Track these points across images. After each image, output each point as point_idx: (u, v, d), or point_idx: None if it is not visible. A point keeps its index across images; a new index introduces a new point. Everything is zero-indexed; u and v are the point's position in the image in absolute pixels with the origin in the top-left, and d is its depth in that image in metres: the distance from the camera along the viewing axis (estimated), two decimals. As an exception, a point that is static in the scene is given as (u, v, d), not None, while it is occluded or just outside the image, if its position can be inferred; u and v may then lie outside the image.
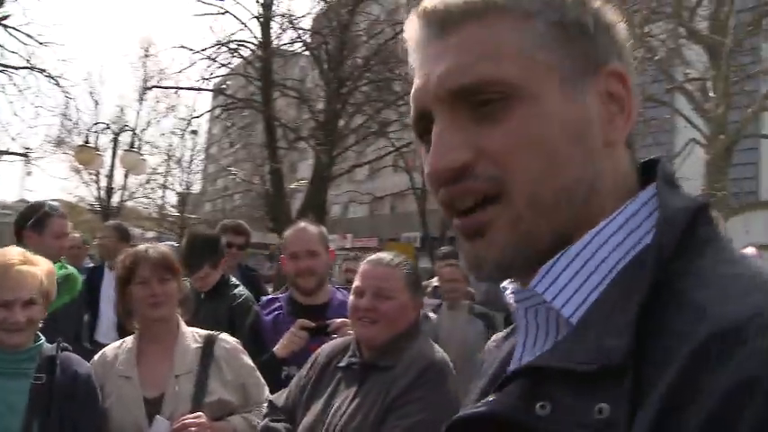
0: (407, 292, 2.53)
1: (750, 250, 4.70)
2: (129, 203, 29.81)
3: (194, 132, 28.15)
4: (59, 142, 27.19)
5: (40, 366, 2.57)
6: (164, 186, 32.08)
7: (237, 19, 16.20)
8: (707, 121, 12.19)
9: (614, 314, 0.68)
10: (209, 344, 2.82)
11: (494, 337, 1.14)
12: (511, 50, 0.77)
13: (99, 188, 30.77)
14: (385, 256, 2.65)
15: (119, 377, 2.75)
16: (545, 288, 0.75)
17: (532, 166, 0.75)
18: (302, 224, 3.54)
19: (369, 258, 2.64)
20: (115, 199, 24.91)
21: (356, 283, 2.55)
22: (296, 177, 23.75)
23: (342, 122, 16.02)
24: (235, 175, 21.61)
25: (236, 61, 17.65)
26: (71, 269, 4.16)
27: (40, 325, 2.66)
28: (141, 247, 2.91)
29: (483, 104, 0.76)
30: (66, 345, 2.70)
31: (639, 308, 0.66)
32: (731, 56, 11.75)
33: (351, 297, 2.55)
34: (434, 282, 6.81)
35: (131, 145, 16.66)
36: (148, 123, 29.96)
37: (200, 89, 17.00)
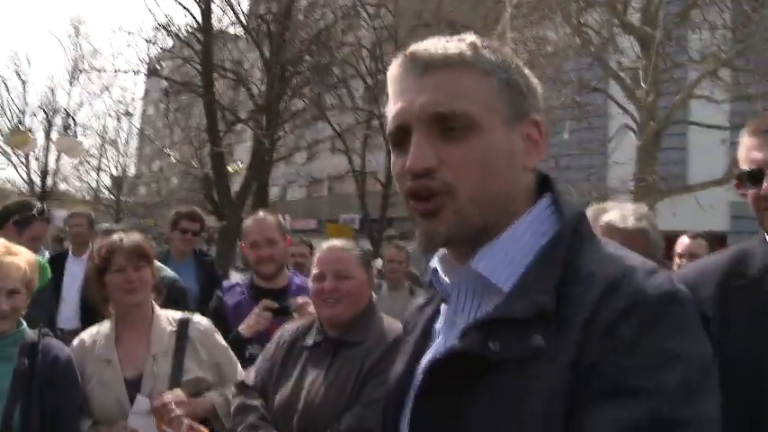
0: (363, 271, 2.76)
1: (684, 240, 4.80)
2: (62, 187, 29.06)
3: (129, 114, 27.69)
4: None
5: (22, 351, 2.68)
6: (98, 169, 31.39)
7: (178, 2, 15.92)
8: (638, 108, 12.65)
9: (541, 281, 1.06)
10: (183, 326, 2.96)
11: (413, 304, 1.45)
12: (475, 95, 1.10)
13: (29, 171, 29.95)
14: (337, 242, 2.85)
15: (99, 360, 2.87)
16: (483, 268, 1.12)
17: (476, 177, 1.09)
18: (261, 214, 3.73)
19: (323, 246, 2.83)
20: (48, 182, 24.31)
21: (315, 270, 2.73)
22: (233, 159, 23.58)
23: (282, 106, 15.99)
24: (172, 157, 21.28)
25: (173, 43, 17.40)
26: (40, 258, 4.23)
27: (23, 313, 2.76)
28: (115, 236, 3.02)
29: (450, 129, 1.09)
30: (47, 330, 2.82)
31: (560, 276, 1.05)
32: (661, 46, 12.21)
33: (311, 283, 2.73)
34: (378, 264, 7.00)
35: (66, 127, 16.33)
36: (80, 105, 29.23)
37: (138, 71, 16.71)
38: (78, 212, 6.59)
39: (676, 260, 4.36)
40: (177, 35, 15.57)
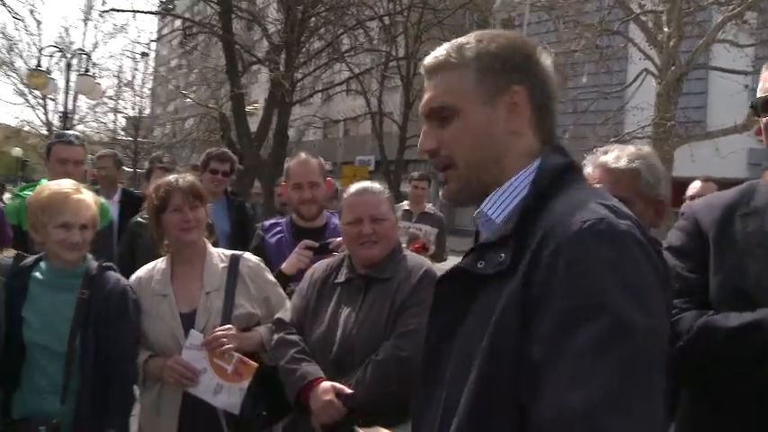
0: (392, 212, 2.93)
1: (695, 184, 4.89)
2: (80, 128, 29.18)
3: (145, 55, 27.59)
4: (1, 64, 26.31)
5: (84, 283, 2.88)
6: (115, 110, 31.44)
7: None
8: (659, 52, 12.55)
9: (512, 215, 1.31)
10: (234, 263, 3.11)
11: None
12: (456, 88, 1.41)
13: (46, 111, 30.02)
14: (367, 185, 2.98)
15: (155, 295, 3.04)
16: (487, 209, 1.40)
17: (464, 149, 1.40)
18: (304, 156, 3.81)
19: (353, 190, 2.96)
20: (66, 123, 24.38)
21: (350, 214, 2.86)
22: (249, 101, 23.59)
23: (300, 47, 15.94)
24: (188, 97, 21.27)
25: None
26: (101, 198, 4.41)
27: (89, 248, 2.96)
28: (171, 177, 3.16)
29: (442, 118, 1.42)
30: (109, 264, 3.01)
31: (522, 211, 1.29)
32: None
33: (346, 227, 2.87)
34: (405, 205, 7.13)
35: (86, 69, 16.38)
36: (95, 45, 29.17)
37: (157, 12, 16.60)
38: (105, 153, 6.52)
39: (687, 203, 4.45)
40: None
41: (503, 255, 1.26)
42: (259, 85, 25.95)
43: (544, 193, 1.30)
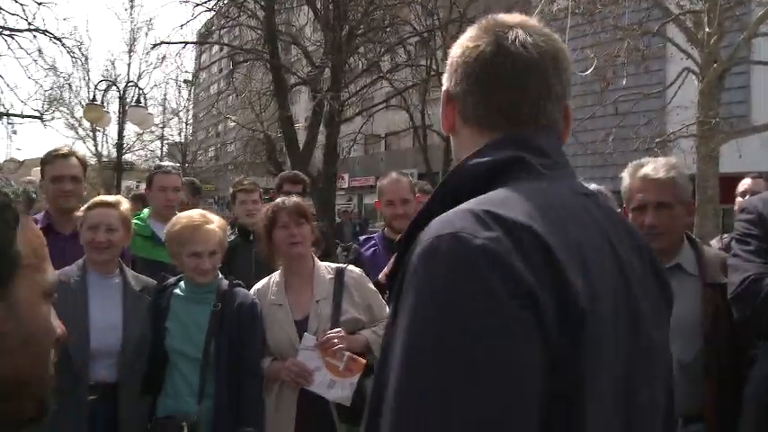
0: None
1: (746, 180, 5.04)
2: (127, 156, 30.07)
3: (190, 83, 28.37)
4: (54, 101, 27.28)
5: (217, 297, 3.28)
6: (161, 138, 32.32)
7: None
8: (700, 50, 12.65)
9: None
10: (339, 274, 3.46)
11: None
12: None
13: (96, 143, 30.96)
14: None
15: (272, 305, 3.41)
16: None
17: None
18: (395, 175, 4.19)
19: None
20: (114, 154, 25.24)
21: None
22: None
23: (346, 68, 16.41)
24: (230, 121, 21.88)
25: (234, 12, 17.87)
26: None
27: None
28: (279, 199, 3.58)
29: None
30: (237, 282, 3.41)
31: (414, 217, 1.18)
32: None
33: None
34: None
35: (137, 100, 17.02)
36: (139, 76, 30.08)
37: (204, 42, 17.22)
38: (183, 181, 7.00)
39: (738, 199, 4.64)
40: (242, 3, 16.03)
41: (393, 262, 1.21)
42: (299, 104, 26.50)
43: (444, 196, 1.17)
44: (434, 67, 19.97)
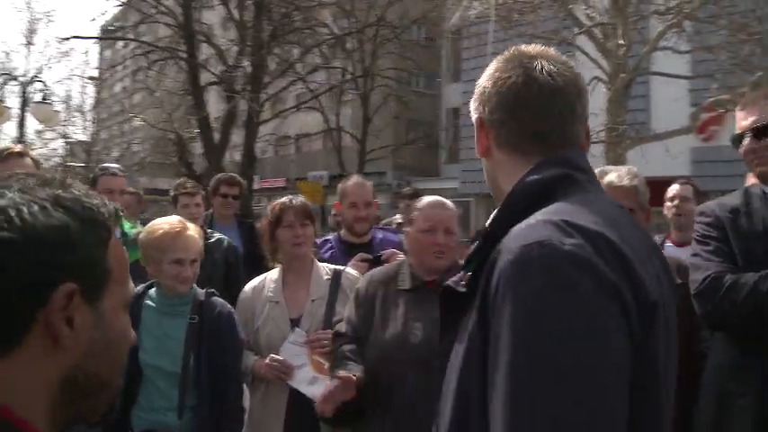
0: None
1: (675, 186, 5.32)
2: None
3: (95, 79, 27.36)
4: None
5: (193, 309, 3.20)
6: (63, 136, 30.99)
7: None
8: (609, 60, 13.25)
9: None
10: (336, 276, 3.48)
11: None
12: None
13: (-9, 140, 29.39)
14: (441, 199, 3.20)
15: (268, 301, 3.42)
16: (488, 222, 1.34)
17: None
18: (360, 179, 4.22)
19: (430, 202, 3.16)
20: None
21: (427, 223, 3.04)
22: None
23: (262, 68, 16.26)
24: (144, 121, 21.27)
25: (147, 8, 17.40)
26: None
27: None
28: (285, 198, 3.57)
29: None
30: (213, 291, 3.33)
31: (484, 231, 1.29)
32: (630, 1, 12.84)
33: (421, 234, 3.03)
34: (398, 218, 7.53)
35: (43, 97, 16.32)
36: (40, 70, 28.77)
37: (122, 38, 16.65)
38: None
39: (667, 203, 4.90)
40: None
41: (465, 277, 1.29)
42: (209, 105, 26.02)
43: (513, 211, 1.25)
44: (350, 69, 20.08)
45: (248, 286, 3.55)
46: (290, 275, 3.50)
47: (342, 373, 2.78)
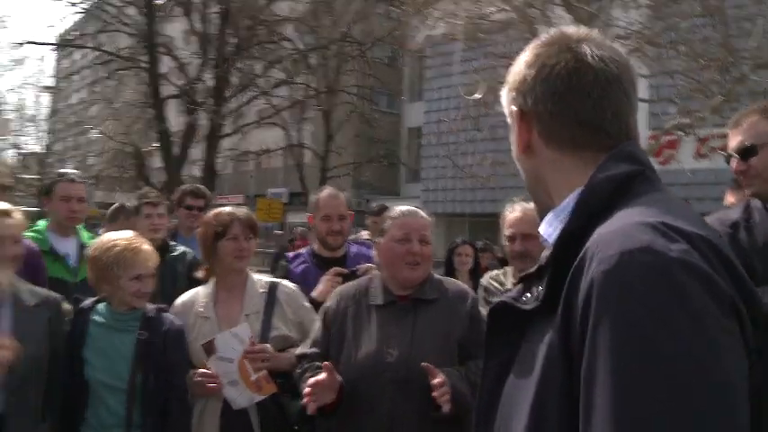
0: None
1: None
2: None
3: (53, 89, 26.72)
4: None
5: (143, 324, 3.06)
6: (15, 146, 30.19)
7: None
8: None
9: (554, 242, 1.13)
10: (272, 289, 3.30)
11: None
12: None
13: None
14: (414, 208, 3.07)
15: (198, 317, 3.22)
16: (543, 231, 1.25)
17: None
18: (333, 190, 4.02)
19: (404, 211, 3.02)
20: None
21: (401, 231, 2.91)
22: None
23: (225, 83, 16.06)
24: (101, 133, 20.84)
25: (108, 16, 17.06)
26: None
27: None
28: (230, 208, 3.38)
29: None
30: (163, 306, 3.20)
31: (559, 237, 1.11)
32: (592, 22, 13.00)
33: (395, 244, 2.90)
34: (364, 235, 7.40)
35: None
36: (-7, 78, 28.02)
37: (78, 46, 16.24)
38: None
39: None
40: (120, 8, 15.31)
41: (540, 287, 1.11)
42: (169, 118, 25.64)
43: (591, 212, 1.09)
44: (313, 85, 19.96)
45: (178, 301, 3.35)
46: (224, 290, 3.31)
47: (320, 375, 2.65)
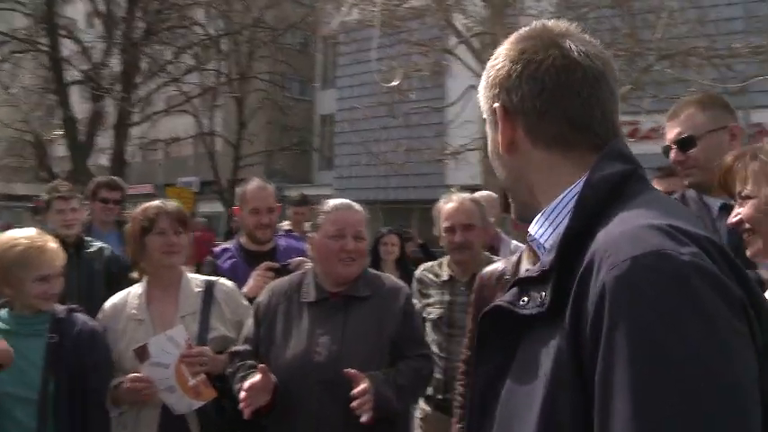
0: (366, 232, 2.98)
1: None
2: None
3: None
4: None
5: (53, 327, 2.84)
6: None
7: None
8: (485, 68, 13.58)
9: (556, 244, 1.08)
10: (209, 288, 3.14)
11: None
12: None
13: None
14: (349, 202, 3.00)
15: (131, 320, 3.03)
16: (535, 231, 1.21)
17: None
18: (261, 182, 3.87)
19: (337, 205, 2.95)
20: None
21: (334, 227, 2.85)
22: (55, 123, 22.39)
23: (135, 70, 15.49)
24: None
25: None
26: None
27: None
28: (158, 201, 3.18)
29: None
30: (75, 307, 2.98)
31: (564, 240, 1.06)
32: (505, 9, 13.20)
33: (329, 240, 2.83)
34: (286, 225, 7.28)
35: None
36: None
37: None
38: None
39: None
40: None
41: (543, 293, 1.07)
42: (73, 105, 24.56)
43: (591, 213, 1.06)
44: (225, 71, 19.53)
45: (108, 303, 3.16)
46: (157, 289, 3.13)
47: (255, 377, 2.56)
